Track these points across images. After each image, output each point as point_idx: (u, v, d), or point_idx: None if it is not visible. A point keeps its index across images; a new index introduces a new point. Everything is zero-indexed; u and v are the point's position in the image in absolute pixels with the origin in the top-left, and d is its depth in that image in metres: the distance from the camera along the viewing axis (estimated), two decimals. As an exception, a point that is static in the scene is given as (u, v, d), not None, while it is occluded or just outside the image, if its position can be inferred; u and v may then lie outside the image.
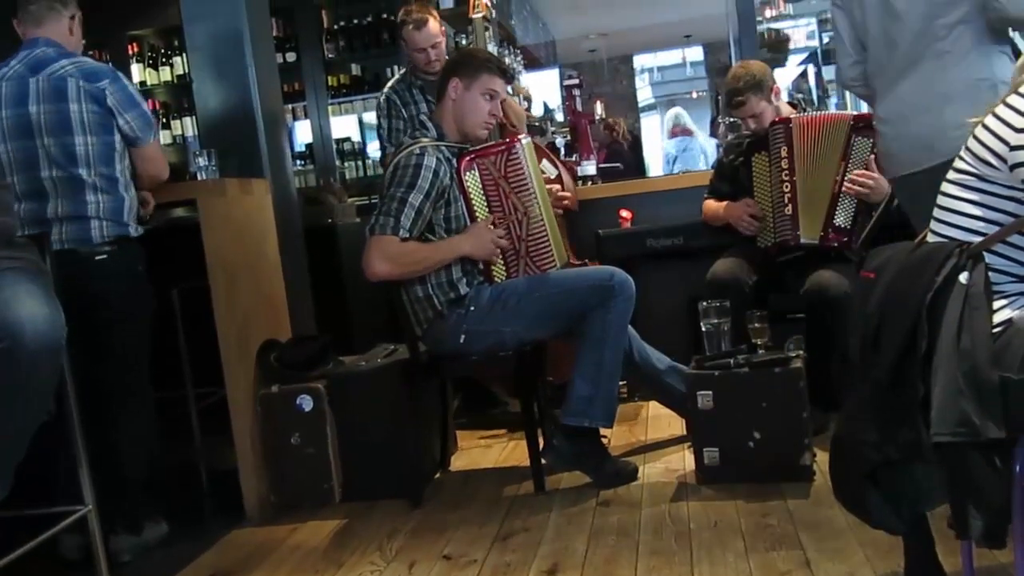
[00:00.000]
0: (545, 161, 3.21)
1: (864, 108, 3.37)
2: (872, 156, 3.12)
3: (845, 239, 3.17)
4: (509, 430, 3.68)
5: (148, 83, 6.18)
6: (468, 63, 2.95)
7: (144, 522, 2.78)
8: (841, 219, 3.18)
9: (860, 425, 1.63)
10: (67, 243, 2.63)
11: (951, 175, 1.71)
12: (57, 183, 2.65)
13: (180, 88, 6.16)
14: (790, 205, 3.24)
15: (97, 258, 2.68)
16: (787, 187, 3.25)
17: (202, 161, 3.18)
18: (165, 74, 6.23)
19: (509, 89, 3.21)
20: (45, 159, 2.64)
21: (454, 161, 2.90)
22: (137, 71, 6.16)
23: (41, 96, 2.63)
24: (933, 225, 1.74)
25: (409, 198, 2.76)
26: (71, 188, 2.66)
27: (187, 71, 5.72)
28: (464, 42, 5.60)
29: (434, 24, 3.73)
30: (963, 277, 1.52)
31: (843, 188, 3.17)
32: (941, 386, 1.49)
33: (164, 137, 6.25)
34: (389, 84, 3.95)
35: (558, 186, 3.36)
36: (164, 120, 6.25)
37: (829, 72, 8.69)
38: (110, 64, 2.90)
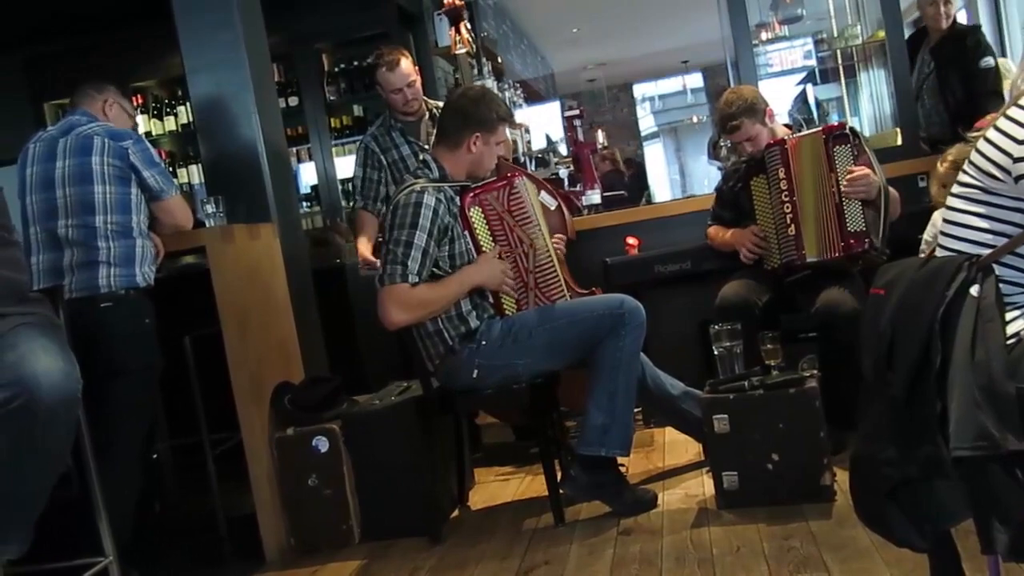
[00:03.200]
0: (544, 193, 3.23)
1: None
2: (853, 159, 3.18)
3: (866, 240, 3.15)
4: (520, 463, 3.67)
5: (153, 133, 6.25)
6: (487, 117, 2.95)
7: None
8: (853, 225, 3.17)
9: (878, 443, 1.62)
10: (75, 291, 2.71)
11: (956, 189, 1.71)
12: (71, 231, 2.76)
13: (185, 137, 6.23)
14: (793, 225, 3.24)
15: (103, 305, 2.74)
16: (788, 207, 3.25)
17: (209, 208, 3.20)
18: (170, 123, 6.29)
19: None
20: (63, 209, 2.77)
21: (457, 200, 2.93)
22: (142, 121, 6.22)
23: (68, 152, 2.81)
24: (941, 239, 1.74)
25: (414, 240, 2.78)
26: (84, 236, 2.76)
27: (191, 120, 5.77)
28: (463, 78, 5.65)
29: (406, 63, 3.72)
30: (974, 290, 1.52)
31: (843, 196, 3.17)
32: (958, 400, 1.48)
33: (170, 186, 6.31)
34: (369, 131, 3.91)
35: (561, 236, 3.36)
36: (171, 169, 6.30)
37: (826, 91, 8.73)
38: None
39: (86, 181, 2.77)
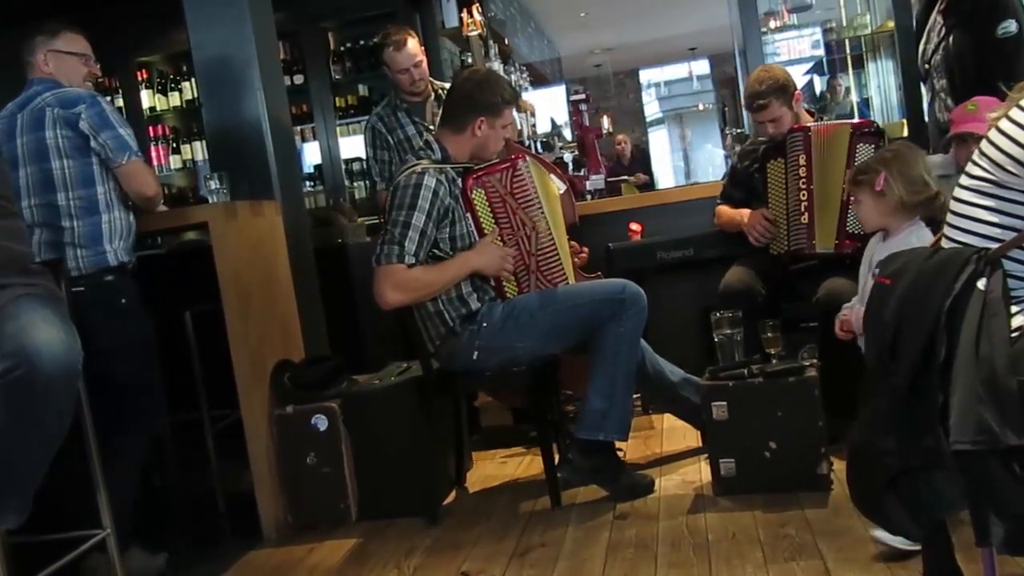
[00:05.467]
0: (553, 176, 3.22)
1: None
2: None
3: (859, 245, 3.14)
4: (518, 446, 3.68)
5: (158, 108, 6.23)
6: (492, 101, 2.94)
7: (129, 550, 2.69)
8: (853, 226, 3.14)
9: (879, 433, 1.62)
10: None
11: (965, 180, 1.70)
12: (36, 212, 2.69)
13: (189, 112, 6.21)
14: (806, 214, 3.22)
15: (75, 290, 2.61)
16: (804, 195, 3.22)
17: (213, 184, 3.19)
18: (174, 99, 6.27)
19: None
20: (26, 188, 2.69)
21: (458, 181, 2.92)
22: (146, 97, 6.21)
23: (24, 128, 2.70)
24: (947, 231, 1.73)
25: (412, 220, 2.77)
26: (48, 216, 2.68)
27: (196, 95, 5.76)
28: (469, 60, 5.63)
29: (413, 43, 3.71)
30: (981, 283, 1.51)
31: (851, 196, 3.12)
32: (960, 393, 1.48)
33: (174, 162, 6.31)
34: (375, 111, 3.92)
35: (583, 254, 3.36)
36: (174, 145, 6.30)
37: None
38: (112, 91, 2.87)
39: (43, 158, 2.67)
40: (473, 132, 2.94)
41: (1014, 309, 1.59)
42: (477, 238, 2.93)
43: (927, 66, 3.42)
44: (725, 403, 2.76)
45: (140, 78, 6.21)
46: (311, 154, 6.45)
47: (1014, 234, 1.61)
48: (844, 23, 7.30)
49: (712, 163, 13.54)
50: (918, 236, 2.45)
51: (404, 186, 2.82)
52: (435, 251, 2.85)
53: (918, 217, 2.49)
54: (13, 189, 2.63)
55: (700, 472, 3.03)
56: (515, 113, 3.39)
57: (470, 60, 5.53)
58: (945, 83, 3.31)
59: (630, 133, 12.18)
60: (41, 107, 2.70)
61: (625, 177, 6.76)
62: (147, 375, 2.82)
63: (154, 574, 2.78)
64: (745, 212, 3.44)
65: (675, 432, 3.52)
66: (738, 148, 3.95)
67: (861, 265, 2.64)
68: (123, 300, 2.75)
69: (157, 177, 2.97)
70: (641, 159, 10.77)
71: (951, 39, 3.27)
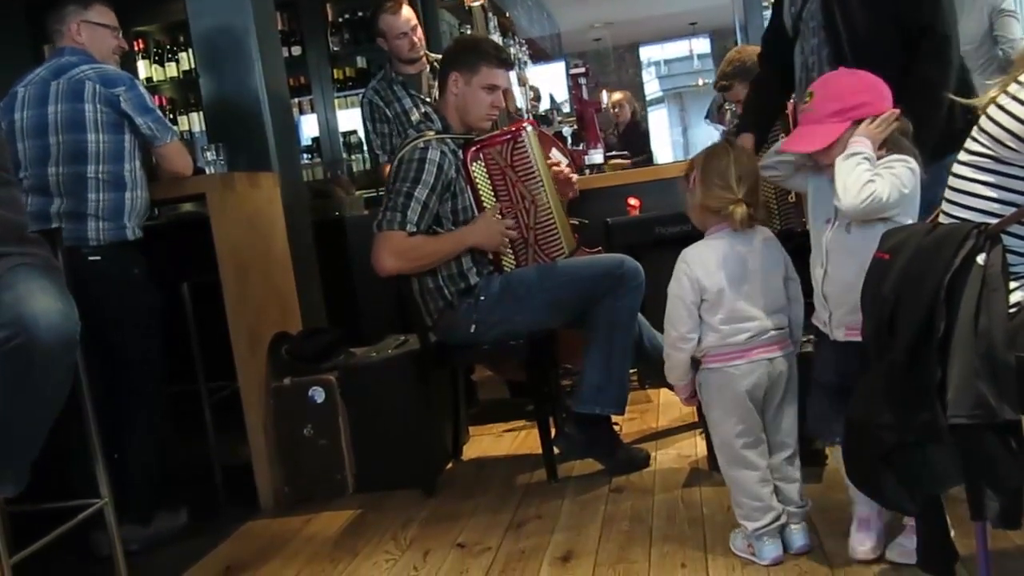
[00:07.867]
0: (554, 150, 3.21)
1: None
2: None
3: None
4: (515, 420, 3.69)
5: (155, 79, 6.19)
6: (467, 58, 2.91)
7: (156, 513, 2.82)
8: None
9: (876, 407, 1.62)
10: (64, 240, 2.66)
11: (963, 156, 1.70)
12: (62, 180, 2.72)
13: (187, 83, 6.17)
14: (793, 192, 3.22)
15: (91, 259, 2.71)
16: None
17: (210, 155, 3.18)
18: (171, 70, 6.23)
19: (514, 78, 3.20)
20: (55, 155, 2.72)
21: (460, 152, 2.90)
22: (143, 67, 6.16)
23: (60, 97, 2.72)
24: (946, 207, 1.73)
25: (415, 192, 2.77)
26: (74, 185, 2.72)
27: (193, 66, 5.72)
28: (469, 33, 5.59)
29: (408, 9, 3.73)
30: (980, 258, 1.51)
31: None
32: (958, 368, 1.48)
33: (171, 133, 6.27)
34: (370, 85, 3.91)
35: (568, 168, 3.33)
36: (172, 116, 6.26)
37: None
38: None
39: (78, 129, 2.71)
40: (451, 90, 2.91)
41: (1013, 285, 1.59)
42: (477, 211, 2.92)
43: (797, 20, 2.53)
44: (722, 378, 2.76)
45: (137, 48, 6.15)
46: (309, 127, 6.41)
47: (1013, 209, 1.61)
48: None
49: (711, 139, 13.47)
50: (713, 246, 2.21)
51: (408, 160, 2.81)
52: (435, 227, 2.84)
53: (726, 225, 2.17)
54: (41, 155, 2.72)
55: (695, 446, 3.04)
56: (516, 89, 3.35)
57: (470, 33, 5.49)
58: (823, 36, 2.41)
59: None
60: (80, 79, 2.72)
61: (612, 154, 6.62)
62: (156, 344, 2.86)
63: (180, 529, 2.89)
64: None
65: (671, 406, 3.53)
66: (736, 122, 3.92)
67: None
68: (135, 271, 2.81)
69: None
70: (637, 134, 10.65)
71: None
